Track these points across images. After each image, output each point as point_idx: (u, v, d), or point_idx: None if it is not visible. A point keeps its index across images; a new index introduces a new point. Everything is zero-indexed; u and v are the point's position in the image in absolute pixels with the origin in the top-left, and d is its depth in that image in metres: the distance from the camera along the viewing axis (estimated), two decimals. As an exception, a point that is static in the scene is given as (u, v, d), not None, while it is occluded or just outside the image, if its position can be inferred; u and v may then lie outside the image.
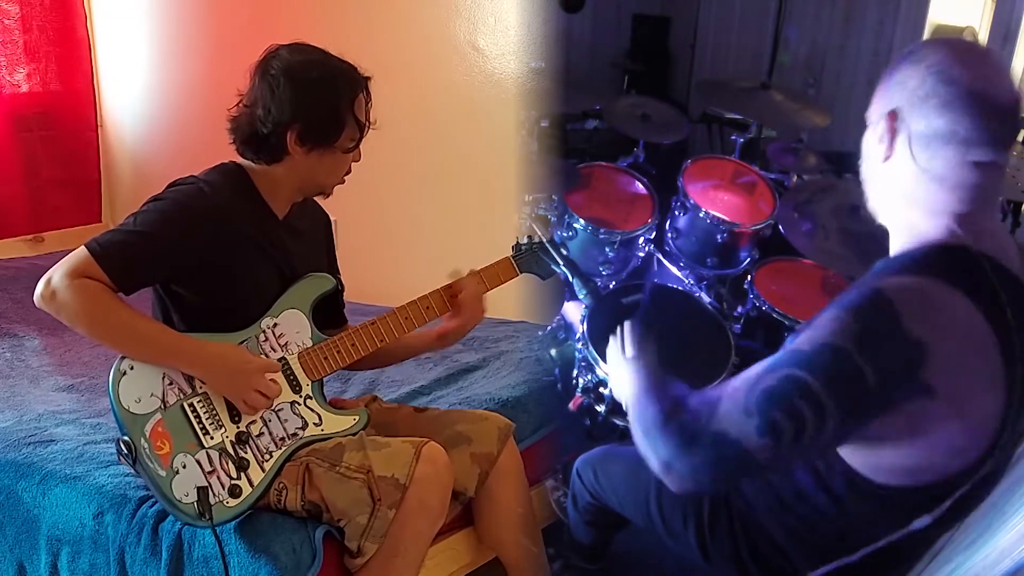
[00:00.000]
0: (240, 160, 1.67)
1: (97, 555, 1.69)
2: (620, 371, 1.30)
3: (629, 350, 1.31)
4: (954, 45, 1.09)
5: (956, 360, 0.97)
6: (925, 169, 1.07)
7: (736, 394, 1.01)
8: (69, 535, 1.72)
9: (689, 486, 1.05)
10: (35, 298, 1.51)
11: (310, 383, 1.66)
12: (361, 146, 1.68)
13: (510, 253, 1.83)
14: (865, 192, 1.18)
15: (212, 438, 1.56)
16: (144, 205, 1.58)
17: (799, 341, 1.01)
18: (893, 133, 1.08)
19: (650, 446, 1.07)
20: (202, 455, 1.55)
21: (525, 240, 1.86)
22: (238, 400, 1.57)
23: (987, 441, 1.01)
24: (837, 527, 1.18)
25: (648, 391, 1.14)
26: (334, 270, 1.85)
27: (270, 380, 1.60)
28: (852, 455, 1.09)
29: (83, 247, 1.52)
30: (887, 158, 1.10)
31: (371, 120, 1.67)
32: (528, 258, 1.84)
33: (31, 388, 2.32)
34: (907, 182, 1.09)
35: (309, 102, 1.58)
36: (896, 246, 1.13)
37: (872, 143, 1.13)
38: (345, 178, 1.70)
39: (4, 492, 1.80)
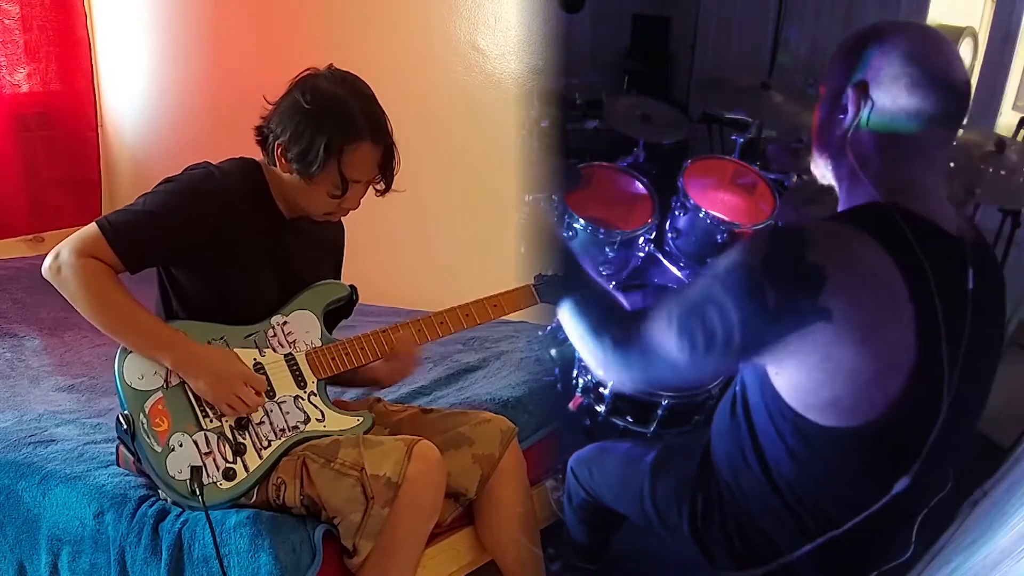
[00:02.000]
0: (259, 158, 1.70)
1: (97, 555, 1.69)
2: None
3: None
4: (919, 31, 1.18)
5: (855, 291, 1.04)
6: (878, 138, 1.15)
7: (662, 305, 1.14)
8: (69, 535, 1.72)
9: (627, 386, 1.22)
10: (42, 269, 1.56)
11: (316, 380, 1.69)
12: None
13: (531, 282, 1.81)
14: (814, 157, 1.24)
15: (212, 421, 1.59)
16: (156, 186, 1.62)
17: (720, 258, 1.11)
18: (859, 104, 1.15)
19: (587, 349, 1.22)
20: (200, 436, 1.58)
21: (549, 272, 1.84)
22: (219, 403, 1.58)
23: (901, 381, 1.06)
24: (813, 498, 1.19)
25: (583, 305, 1.26)
26: (337, 277, 1.88)
27: (252, 391, 1.60)
28: (785, 388, 1.14)
29: (94, 223, 1.56)
30: (849, 125, 1.16)
31: (379, 185, 1.66)
32: (549, 288, 1.80)
33: (31, 388, 2.32)
34: (860, 149, 1.16)
35: (293, 127, 1.58)
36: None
37: (829, 111, 1.20)
38: (339, 218, 1.71)
39: (4, 492, 1.81)
